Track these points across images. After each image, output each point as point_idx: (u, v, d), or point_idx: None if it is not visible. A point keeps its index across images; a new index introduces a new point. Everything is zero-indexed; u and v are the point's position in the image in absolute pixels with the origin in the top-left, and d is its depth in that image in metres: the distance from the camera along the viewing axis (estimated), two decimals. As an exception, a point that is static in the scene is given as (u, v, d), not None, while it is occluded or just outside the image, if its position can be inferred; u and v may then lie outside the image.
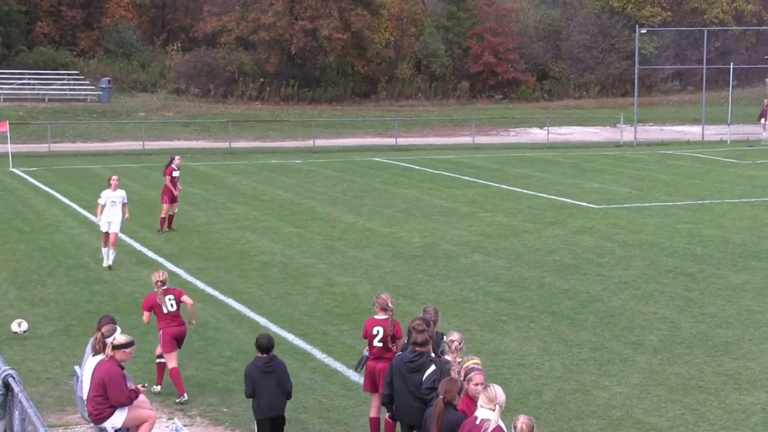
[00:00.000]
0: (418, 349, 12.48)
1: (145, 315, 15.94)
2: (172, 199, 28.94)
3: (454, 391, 10.65)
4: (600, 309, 20.95)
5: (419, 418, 12.14)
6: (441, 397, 10.60)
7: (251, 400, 13.34)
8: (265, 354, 13.20)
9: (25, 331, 18.03)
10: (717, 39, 79.43)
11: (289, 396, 13.40)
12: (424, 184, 39.66)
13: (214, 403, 15.48)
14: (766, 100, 62.07)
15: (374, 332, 13.64)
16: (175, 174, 28.96)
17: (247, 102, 70.02)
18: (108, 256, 24.30)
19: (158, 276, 15.84)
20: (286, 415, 13.46)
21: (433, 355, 12.66)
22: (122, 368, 12.77)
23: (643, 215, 32.36)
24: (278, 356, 13.45)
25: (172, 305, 15.64)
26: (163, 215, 29.03)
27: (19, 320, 18.49)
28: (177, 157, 29.74)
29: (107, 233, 24.28)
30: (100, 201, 24.52)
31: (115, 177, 25.10)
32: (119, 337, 12.80)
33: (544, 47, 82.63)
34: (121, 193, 24.68)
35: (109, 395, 12.55)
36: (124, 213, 24.73)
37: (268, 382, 13.11)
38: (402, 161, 47.91)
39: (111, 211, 24.35)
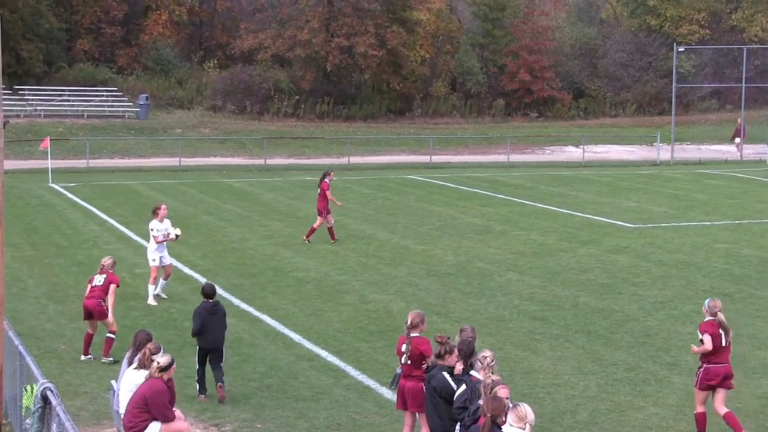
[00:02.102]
0: (439, 362, 12.72)
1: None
2: (325, 211, 29.78)
3: (500, 409, 10.63)
4: (635, 329, 20.85)
5: (434, 428, 12.67)
6: (488, 415, 10.57)
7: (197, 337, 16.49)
8: (210, 299, 16.60)
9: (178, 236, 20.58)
10: (756, 57, 78.84)
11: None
12: (458, 202, 39.65)
13: (248, 419, 15.53)
14: (738, 119, 61.97)
15: (403, 349, 13.72)
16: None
17: (283, 119, 70.30)
18: (161, 288, 22.97)
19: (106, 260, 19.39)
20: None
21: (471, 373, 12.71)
22: (168, 386, 12.88)
23: (680, 235, 32.18)
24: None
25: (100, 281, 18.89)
26: (315, 226, 30.07)
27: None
28: (333, 173, 31.00)
29: (158, 267, 22.91)
30: (155, 233, 22.91)
31: (164, 206, 23.51)
32: (162, 359, 12.87)
33: (580, 65, 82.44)
34: (167, 224, 23.17)
35: (153, 412, 12.67)
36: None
37: (213, 321, 16.38)
38: (437, 179, 47.94)
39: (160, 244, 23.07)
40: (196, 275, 25.36)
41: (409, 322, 13.77)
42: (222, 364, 16.54)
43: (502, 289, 24.28)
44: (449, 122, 74.54)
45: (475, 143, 65.88)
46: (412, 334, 13.71)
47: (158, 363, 12.83)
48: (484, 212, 36.83)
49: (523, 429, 10.20)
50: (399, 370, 13.95)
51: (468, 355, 12.74)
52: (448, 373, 12.61)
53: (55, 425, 11.15)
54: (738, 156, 59.53)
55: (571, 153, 62.61)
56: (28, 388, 12.41)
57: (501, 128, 71.46)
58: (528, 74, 76.53)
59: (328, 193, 29.76)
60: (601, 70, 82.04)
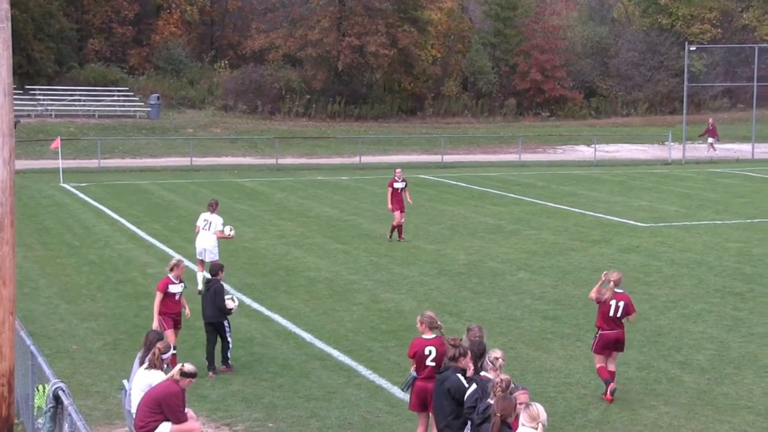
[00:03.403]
0: (451, 363, 12.61)
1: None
2: (400, 209, 29.96)
3: (510, 409, 10.63)
4: (647, 328, 20.82)
5: (443, 429, 12.54)
6: (498, 415, 10.57)
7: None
8: (210, 276, 18.03)
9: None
10: (768, 56, 78.70)
11: (222, 311, 17.56)
12: (470, 202, 39.63)
13: (260, 419, 15.54)
14: (710, 119, 61.77)
15: (426, 352, 13.55)
16: (397, 185, 30.06)
17: (294, 119, 70.33)
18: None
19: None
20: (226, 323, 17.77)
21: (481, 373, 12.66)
22: (182, 391, 12.88)
23: (692, 234, 32.12)
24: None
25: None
26: (394, 224, 30.27)
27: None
28: (398, 170, 30.88)
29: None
30: (220, 227, 23.49)
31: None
32: (188, 366, 12.88)
33: (592, 64, 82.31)
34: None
35: (166, 413, 12.68)
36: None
37: (206, 297, 17.74)
38: (448, 178, 47.92)
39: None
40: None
41: (438, 322, 13.74)
42: (228, 339, 17.74)
43: (514, 289, 24.27)
44: (461, 122, 74.48)
45: (487, 143, 65.81)
46: (433, 335, 13.62)
47: (182, 366, 12.83)
48: (496, 211, 36.80)
49: (536, 429, 10.19)
50: (414, 373, 13.80)
51: (479, 355, 12.72)
52: (462, 374, 12.55)
53: (67, 425, 11.18)
54: (716, 155, 59.25)
55: (583, 152, 62.52)
56: (40, 387, 12.45)
57: (512, 127, 71.40)
58: (539, 73, 76.43)
59: (389, 190, 30.16)
60: (612, 69, 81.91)
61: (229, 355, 17.80)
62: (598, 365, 16.55)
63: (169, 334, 17.30)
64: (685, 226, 33.71)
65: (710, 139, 60.13)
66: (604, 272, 16.87)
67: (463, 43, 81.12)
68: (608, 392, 16.24)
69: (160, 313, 17.57)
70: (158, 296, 17.60)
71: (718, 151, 59.91)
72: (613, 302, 16.30)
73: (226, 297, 17.85)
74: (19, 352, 13.66)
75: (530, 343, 19.67)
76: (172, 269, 17.90)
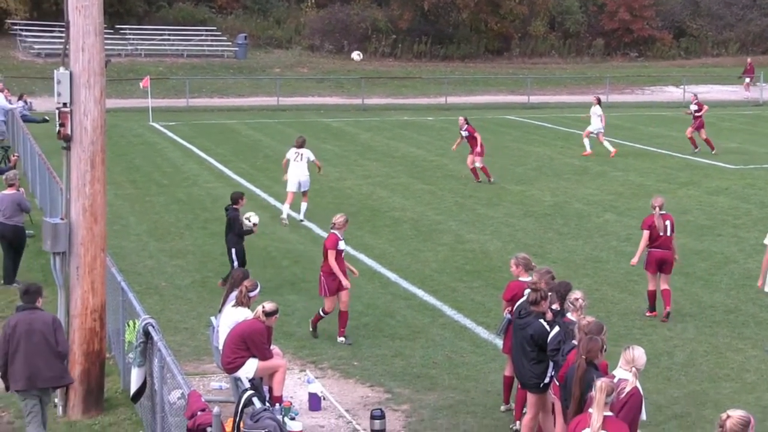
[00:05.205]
0: (532, 308, 12.42)
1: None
2: (473, 153, 30.26)
3: (596, 350, 10.52)
4: (735, 271, 20.56)
5: (524, 376, 12.43)
6: (583, 357, 10.48)
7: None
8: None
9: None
10: None
11: (241, 236, 18.91)
12: (556, 143, 39.30)
13: (345, 356, 15.71)
14: (748, 59, 60.16)
15: (525, 294, 13.41)
16: (463, 134, 30.38)
17: (380, 59, 70.13)
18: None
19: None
20: None
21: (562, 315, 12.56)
22: (267, 328, 13.07)
23: (783, 176, 31.51)
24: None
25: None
26: (470, 166, 30.55)
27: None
28: (461, 118, 31.09)
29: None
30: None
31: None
32: (268, 305, 13.07)
33: (682, 4, 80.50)
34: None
35: (252, 350, 12.89)
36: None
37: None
38: (534, 119, 47.51)
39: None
40: (294, 213, 25.47)
41: (533, 264, 13.74)
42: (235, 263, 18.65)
43: (600, 230, 24.10)
44: (547, 62, 73.62)
45: (574, 83, 65.02)
46: (530, 278, 13.47)
47: (264, 308, 13.02)
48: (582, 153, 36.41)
49: (630, 371, 10.03)
50: (508, 316, 13.61)
51: (564, 296, 12.62)
52: (543, 318, 12.43)
53: (156, 360, 11.41)
54: (750, 95, 57.86)
55: (672, 93, 61.48)
56: (131, 323, 12.71)
57: (600, 68, 70.41)
58: (628, 13, 75.04)
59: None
60: (703, 8, 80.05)
61: None
62: (650, 287, 17.63)
63: (343, 294, 16.30)
64: (777, 169, 33.07)
65: (746, 79, 58.98)
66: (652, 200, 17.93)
67: (551, -19, 79.82)
68: (664, 315, 17.43)
69: (330, 273, 16.20)
70: (331, 254, 16.12)
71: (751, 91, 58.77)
72: (660, 222, 17.37)
73: (243, 219, 19.01)
74: (110, 288, 13.95)
75: (615, 285, 19.56)
76: (338, 226, 16.50)
